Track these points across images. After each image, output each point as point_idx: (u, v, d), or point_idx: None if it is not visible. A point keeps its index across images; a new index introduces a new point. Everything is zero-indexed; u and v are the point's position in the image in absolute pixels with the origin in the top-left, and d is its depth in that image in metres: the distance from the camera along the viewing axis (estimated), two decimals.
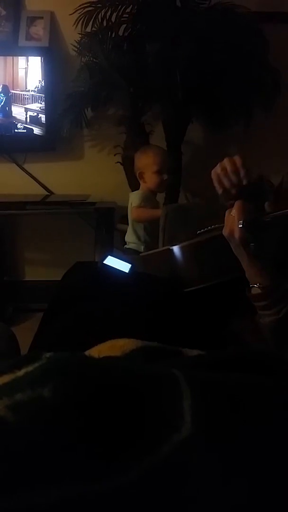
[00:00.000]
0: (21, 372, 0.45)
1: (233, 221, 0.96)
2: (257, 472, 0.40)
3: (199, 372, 0.50)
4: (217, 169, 1.19)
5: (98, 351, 0.72)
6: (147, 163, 2.22)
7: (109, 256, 1.15)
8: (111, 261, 1.14)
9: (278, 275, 0.98)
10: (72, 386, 0.40)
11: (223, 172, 1.17)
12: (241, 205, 0.97)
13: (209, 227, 1.12)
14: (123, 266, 1.12)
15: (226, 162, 1.17)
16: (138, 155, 2.28)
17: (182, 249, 1.09)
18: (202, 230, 1.16)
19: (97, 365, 0.44)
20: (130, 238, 2.29)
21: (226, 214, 1.00)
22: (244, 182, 1.15)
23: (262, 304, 0.99)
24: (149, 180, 2.22)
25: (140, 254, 1.28)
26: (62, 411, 0.38)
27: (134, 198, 2.26)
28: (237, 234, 0.95)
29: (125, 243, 2.32)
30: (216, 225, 1.08)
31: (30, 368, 0.44)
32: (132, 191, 2.37)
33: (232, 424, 0.41)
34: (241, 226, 0.93)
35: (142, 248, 2.22)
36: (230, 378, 0.48)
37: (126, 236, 2.31)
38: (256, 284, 0.98)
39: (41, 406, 0.38)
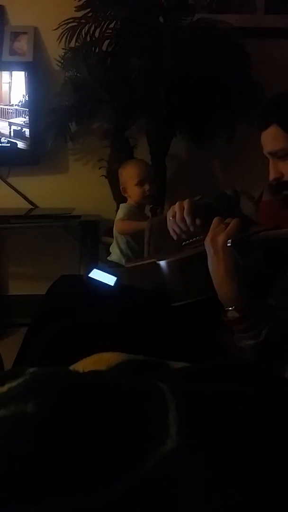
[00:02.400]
0: (4, 388, 0.44)
1: (219, 229, 0.96)
2: (243, 483, 0.40)
3: (185, 384, 0.50)
4: (169, 215, 1.20)
5: (83, 365, 0.71)
6: (127, 177, 2.26)
7: (94, 269, 1.15)
8: (97, 274, 1.13)
9: (254, 296, 0.96)
10: (55, 401, 0.39)
11: (173, 219, 1.18)
12: (235, 223, 0.97)
13: (194, 238, 1.13)
14: (109, 279, 1.12)
15: (175, 208, 1.18)
16: (120, 171, 2.31)
17: (168, 264, 1.08)
18: (187, 242, 1.16)
19: (81, 380, 0.44)
20: (113, 250, 2.31)
21: (209, 231, 0.99)
22: (191, 229, 1.15)
23: (240, 328, 0.96)
24: (132, 193, 2.25)
25: (126, 266, 1.27)
26: (45, 427, 0.37)
27: (119, 211, 2.27)
28: (220, 240, 0.94)
29: (109, 254, 2.33)
30: (202, 237, 1.08)
31: (13, 384, 0.44)
32: (117, 204, 2.38)
33: (217, 437, 0.41)
34: (229, 245, 0.93)
35: (123, 261, 2.22)
36: (215, 390, 0.48)
37: (111, 247, 2.33)
38: (232, 307, 0.96)
39: (25, 421, 0.37)
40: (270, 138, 1.10)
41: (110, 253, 2.33)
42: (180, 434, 0.40)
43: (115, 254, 2.29)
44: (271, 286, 0.99)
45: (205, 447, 0.41)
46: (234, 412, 0.45)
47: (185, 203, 1.16)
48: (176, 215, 1.16)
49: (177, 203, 1.18)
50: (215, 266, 0.96)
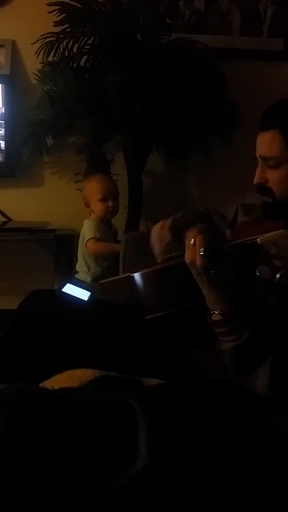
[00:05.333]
0: None
1: (194, 249, 0.98)
2: (213, 502, 0.40)
3: (156, 403, 0.50)
4: (151, 237, 1.22)
5: (53, 382, 0.70)
6: (91, 191, 2.25)
7: (68, 284, 1.14)
8: (70, 289, 1.12)
9: (237, 302, 1.00)
10: (22, 420, 0.38)
11: (155, 239, 1.20)
12: (202, 233, 0.99)
13: (169, 255, 1.13)
14: (82, 294, 1.11)
15: (157, 226, 1.21)
16: (83, 184, 2.32)
17: (143, 276, 1.09)
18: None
19: (49, 398, 0.43)
20: (79, 267, 2.28)
21: (186, 242, 1.01)
22: (173, 248, 1.16)
23: (223, 330, 1.00)
24: (95, 208, 2.25)
25: (100, 282, 1.27)
26: (12, 445, 0.36)
27: (86, 230, 2.25)
28: (198, 262, 0.96)
29: (76, 272, 2.31)
30: (176, 253, 1.09)
31: None
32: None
33: (186, 457, 0.41)
34: (202, 253, 0.95)
35: (89, 279, 2.21)
36: (186, 409, 0.48)
37: (77, 265, 2.30)
38: (217, 311, 0.99)
39: None
40: (266, 142, 1.09)
41: (76, 270, 2.30)
42: (150, 454, 0.40)
43: (82, 272, 2.26)
44: (246, 299, 1.01)
45: (175, 468, 0.40)
46: (204, 432, 0.45)
47: (167, 221, 1.18)
48: (157, 235, 1.18)
49: (160, 222, 1.20)
50: (200, 282, 1.00)
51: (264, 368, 0.98)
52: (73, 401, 0.43)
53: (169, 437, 0.42)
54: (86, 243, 2.23)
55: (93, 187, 2.25)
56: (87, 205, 2.27)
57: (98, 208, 2.24)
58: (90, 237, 2.22)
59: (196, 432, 0.44)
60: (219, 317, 1.00)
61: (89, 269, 2.24)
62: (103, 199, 2.22)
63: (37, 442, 0.38)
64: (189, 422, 0.45)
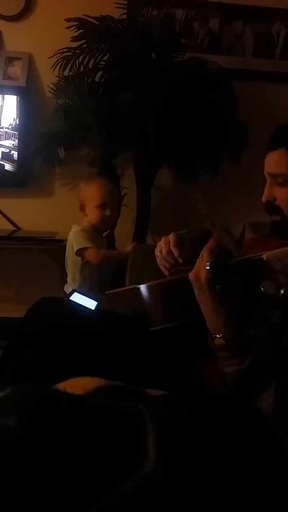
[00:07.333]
0: None
1: (201, 264, 0.98)
2: (223, 509, 0.40)
3: (163, 410, 0.51)
4: (156, 252, 1.19)
5: (61, 388, 0.71)
6: (89, 195, 2.08)
7: (75, 293, 1.15)
8: (77, 298, 1.13)
9: (240, 324, 0.99)
10: (35, 418, 0.40)
11: (160, 255, 1.17)
12: (210, 248, 0.99)
13: (177, 268, 1.14)
14: (89, 303, 1.12)
15: (161, 243, 1.17)
16: (81, 185, 2.15)
17: (149, 288, 1.09)
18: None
19: (62, 398, 0.44)
20: (74, 278, 2.12)
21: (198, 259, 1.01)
22: (180, 261, 1.14)
23: (225, 355, 0.99)
24: (90, 213, 2.07)
25: (106, 292, 1.27)
26: (24, 442, 0.37)
27: (77, 236, 2.06)
28: (203, 276, 0.96)
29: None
30: (183, 267, 1.10)
31: None
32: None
33: (197, 462, 0.42)
34: (208, 268, 0.95)
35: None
36: (195, 417, 0.49)
37: (71, 278, 2.14)
38: (219, 335, 0.98)
39: (5, 435, 0.37)
40: (274, 160, 1.12)
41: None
42: (160, 458, 0.40)
43: (74, 282, 2.10)
44: (250, 317, 1.01)
45: (184, 471, 0.41)
46: (215, 441, 0.45)
47: (171, 236, 1.16)
48: (162, 250, 1.16)
49: (163, 238, 1.18)
50: (203, 300, 0.98)
51: (269, 392, 0.97)
52: (85, 402, 0.44)
53: (179, 440, 0.43)
54: (84, 253, 2.05)
55: (93, 191, 2.08)
56: (82, 208, 2.09)
57: (93, 214, 2.06)
58: (84, 247, 2.04)
59: (204, 437, 0.45)
60: (222, 342, 0.98)
61: (84, 279, 2.08)
62: (101, 206, 2.05)
63: (48, 440, 0.39)
64: (198, 427, 0.46)
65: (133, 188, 2.52)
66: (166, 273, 1.18)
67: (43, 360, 0.99)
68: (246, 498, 0.45)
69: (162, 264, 1.18)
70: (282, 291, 0.86)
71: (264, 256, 0.90)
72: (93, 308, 1.11)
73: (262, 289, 0.87)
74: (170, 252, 1.15)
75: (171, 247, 1.15)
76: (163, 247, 1.17)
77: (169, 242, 1.16)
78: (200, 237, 1.28)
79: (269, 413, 0.95)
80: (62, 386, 0.64)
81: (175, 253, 1.14)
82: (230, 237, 1.40)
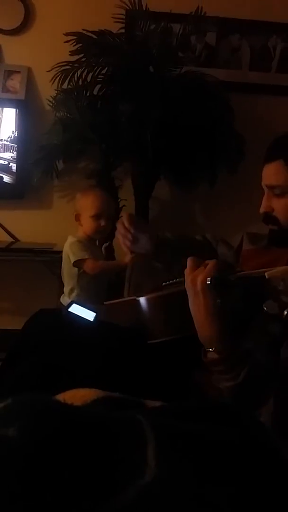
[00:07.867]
0: None
1: (200, 271, 0.97)
2: None
3: (163, 419, 0.51)
4: (117, 235, 1.35)
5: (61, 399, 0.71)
6: (85, 205, 2.10)
7: (74, 304, 1.15)
8: (76, 309, 1.14)
9: (236, 338, 0.98)
10: (37, 427, 0.40)
11: (120, 236, 1.32)
12: (216, 261, 0.99)
13: (174, 280, 1.14)
14: (88, 315, 1.12)
15: (118, 226, 1.32)
16: (78, 196, 2.18)
17: (148, 300, 1.09)
18: (167, 282, 1.18)
19: (62, 408, 0.44)
20: (70, 290, 2.12)
21: (186, 271, 1.01)
22: (132, 231, 1.29)
23: (219, 369, 0.98)
24: (85, 223, 2.09)
25: (105, 303, 1.27)
26: (26, 450, 0.37)
27: (73, 248, 2.07)
28: (199, 280, 0.95)
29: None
30: (182, 278, 1.10)
31: None
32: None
33: (196, 471, 0.42)
34: (209, 282, 0.94)
35: (66, 302, 2.01)
36: (194, 426, 0.49)
37: (68, 290, 2.14)
38: (212, 349, 0.97)
39: (6, 446, 0.38)
40: (272, 172, 1.14)
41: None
42: (160, 467, 0.40)
43: (70, 293, 2.10)
44: (248, 329, 1.01)
45: (184, 480, 0.41)
46: (214, 450, 0.45)
47: (124, 218, 1.31)
48: (120, 231, 1.29)
49: (118, 221, 1.32)
50: (196, 308, 0.97)
51: (267, 407, 0.95)
52: (84, 412, 0.44)
53: (179, 448, 0.43)
54: (82, 265, 2.05)
55: (89, 202, 2.09)
56: (77, 217, 2.11)
57: (88, 224, 2.08)
58: (81, 258, 2.04)
59: (205, 444, 0.45)
60: (215, 356, 0.97)
61: (81, 290, 2.08)
62: (96, 217, 2.07)
63: (48, 450, 0.39)
64: (198, 436, 0.46)
65: (131, 199, 2.53)
66: (127, 249, 1.32)
67: (41, 371, 0.99)
68: (248, 503, 0.45)
69: (124, 244, 1.31)
70: (286, 312, 0.85)
71: (266, 274, 0.89)
72: (91, 319, 1.12)
73: (265, 308, 0.86)
74: (127, 230, 1.27)
75: (127, 226, 1.28)
76: (120, 229, 1.29)
77: (123, 222, 1.29)
78: (185, 246, 1.32)
79: (268, 424, 0.94)
80: (62, 397, 0.64)
81: (126, 224, 1.28)
82: (228, 248, 1.41)
